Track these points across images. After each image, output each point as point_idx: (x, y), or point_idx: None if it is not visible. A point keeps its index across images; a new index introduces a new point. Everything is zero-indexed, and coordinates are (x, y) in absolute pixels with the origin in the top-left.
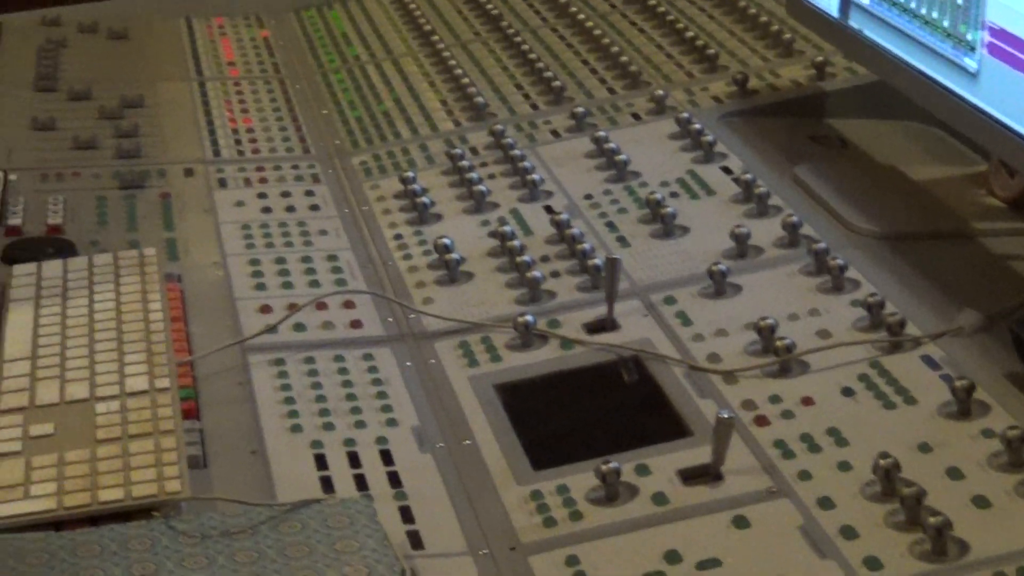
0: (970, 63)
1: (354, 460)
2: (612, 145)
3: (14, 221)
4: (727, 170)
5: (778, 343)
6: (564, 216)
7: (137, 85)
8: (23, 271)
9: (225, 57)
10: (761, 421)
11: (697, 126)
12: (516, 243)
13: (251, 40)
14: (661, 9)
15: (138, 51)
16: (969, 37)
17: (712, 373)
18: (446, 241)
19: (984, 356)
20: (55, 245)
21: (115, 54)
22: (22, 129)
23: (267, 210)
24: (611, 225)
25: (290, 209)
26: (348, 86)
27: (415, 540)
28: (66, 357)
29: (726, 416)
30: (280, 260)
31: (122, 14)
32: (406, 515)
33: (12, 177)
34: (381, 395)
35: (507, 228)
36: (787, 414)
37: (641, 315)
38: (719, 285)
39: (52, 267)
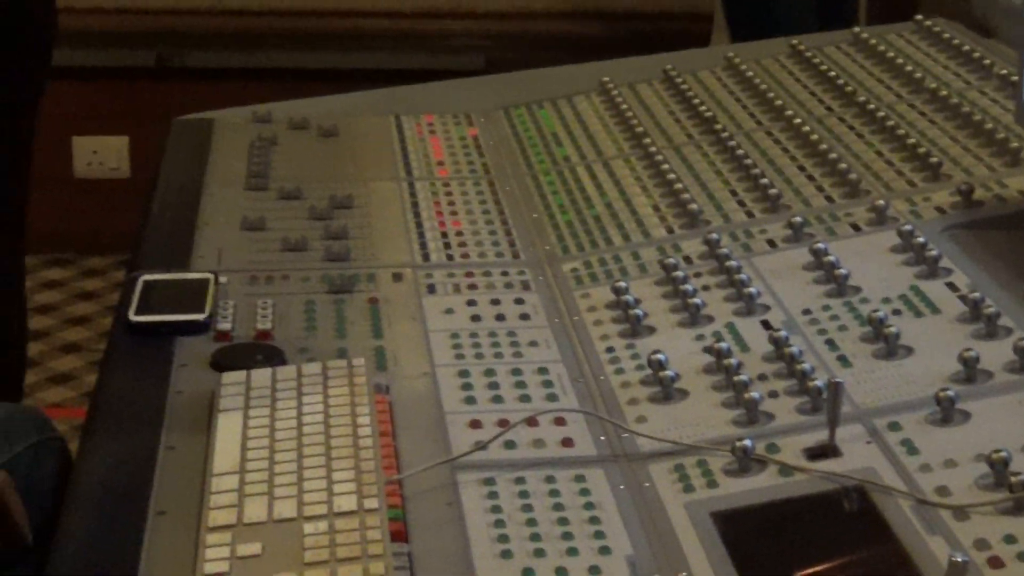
0: None
1: None
2: (832, 258)
3: (223, 326)
4: (952, 287)
5: (1012, 478)
6: (782, 333)
7: (347, 184)
8: (232, 379)
9: (434, 156)
10: (995, 563)
11: (920, 239)
12: (733, 361)
13: (460, 139)
14: (881, 114)
15: (348, 149)
16: None
17: (942, 508)
18: (660, 357)
19: None
20: (264, 352)
21: (325, 152)
22: (233, 229)
23: (476, 318)
24: (831, 343)
25: (500, 318)
26: (558, 188)
27: None
28: (274, 472)
29: (960, 560)
30: (490, 372)
31: (332, 111)
32: None
33: (223, 280)
34: (594, 520)
35: (723, 345)
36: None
37: (864, 441)
38: (947, 412)
39: (261, 376)
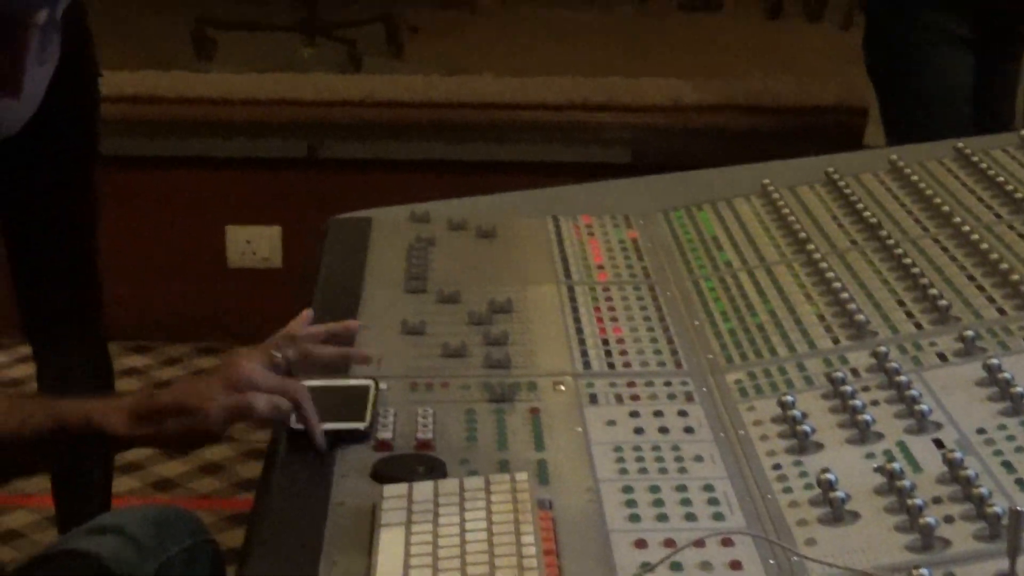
0: None
1: None
2: (1006, 374)
3: (384, 435)
4: None
5: None
6: (957, 454)
7: (505, 287)
8: (394, 492)
9: (593, 259)
10: None
11: None
12: (906, 482)
13: (619, 241)
14: None
15: (506, 250)
16: None
17: None
18: (830, 477)
19: None
20: (425, 463)
21: (483, 253)
22: (393, 333)
23: (639, 431)
24: (1008, 465)
25: (663, 430)
26: (720, 294)
27: None
28: None
29: None
30: (654, 488)
31: (490, 210)
32: None
33: (383, 386)
34: None
35: (895, 465)
36: None
37: None
38: None
39: (423, 489)
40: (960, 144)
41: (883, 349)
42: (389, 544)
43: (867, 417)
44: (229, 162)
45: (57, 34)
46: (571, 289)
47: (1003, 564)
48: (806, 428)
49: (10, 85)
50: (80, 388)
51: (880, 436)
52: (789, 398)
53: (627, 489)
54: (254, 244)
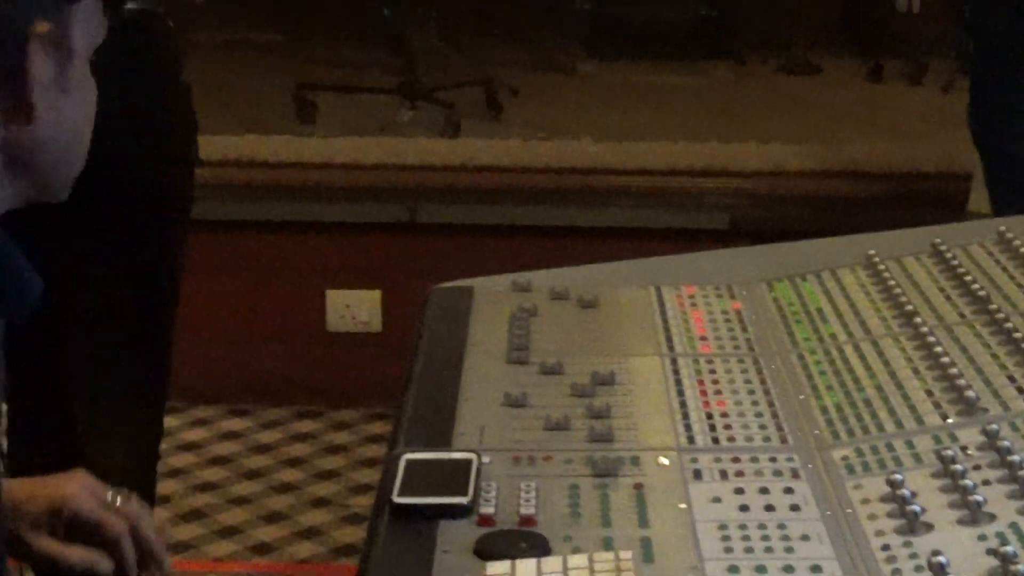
0: None
1: None
2: None
3: (487, 510)
4: None
5: None
6: None
7: (608, 359)
8: (497, 570)
9: (696, 330)
10: None
11: None
12: (1020, 567)
13: (722, 312)
14: None
15: (608, 321)
16: None
17: None
18: (941, 560)
19: None
20: (528, 540)
21: (586, 323)
22: (494, 405)
23: (745, 508)
24: None
25: (769, 508)
26: (825, 368)
27: None
28: None
29: None
30: (760, 568)
31: (592, 280)
32: None
33: (485, 460)
34: None
35: (1008, 548)
36: None
37: None
38: None
39: (526, 567)
40: None
41: (994, 427)
42: None
43: (979, 497)
44: (329, 226)
45: (88, 66)
46: (674, 361)
47: None
48: (915, 508)
49: (17, 106)
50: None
51: (992, 517)
52: (898, 476)
53: (733, 568)
54: (354, 308)
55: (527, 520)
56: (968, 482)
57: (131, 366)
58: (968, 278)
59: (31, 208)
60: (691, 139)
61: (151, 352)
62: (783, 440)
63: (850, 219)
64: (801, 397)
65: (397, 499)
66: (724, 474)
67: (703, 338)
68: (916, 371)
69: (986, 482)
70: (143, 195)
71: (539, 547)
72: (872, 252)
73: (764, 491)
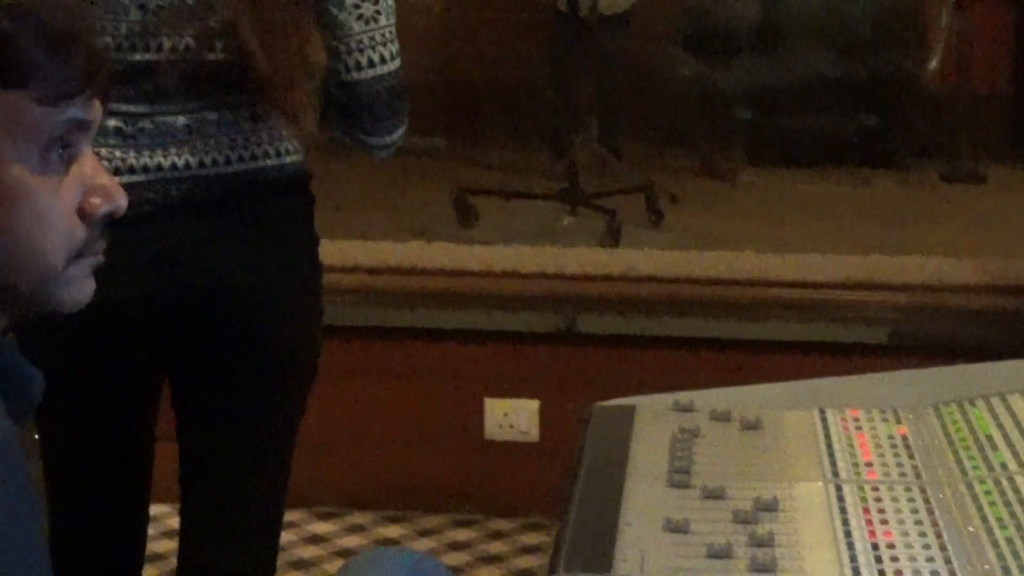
0: None
1: None
2: None
3: None
4: None
5: None
6: None
7: (771, 483)
8: None
9: (861, 456)
10: None
11: None
12: None
13: (888, 437)
14: None
15: (771, 444)
16: None
17: None
18: None
19: None
20: None
21: (748, 446)
22: (655, 530)
23: None
24: None
25: None
26: (995, 499)
27: None
28: None
29: None
30: None
31: (754, 401)
32: None
33: None
34: None
35: None
36: None
37: None
38: None
39: None
40: None
41: None
42: None
43: None
44: (489, 334)
45: (25, 168)
46: (839, 487)
47: None
48: None
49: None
50: None
51: None
52: None
53: None
54: (512, 417)
55: None
56: None
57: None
58: None
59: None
60: (852, 250)
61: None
62: (952, 575)
63: (1016, 337)
64: (970, 529)
65: None
66: None
67: (868, 464)
68: None
69: None
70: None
71: None
72: None
73: None
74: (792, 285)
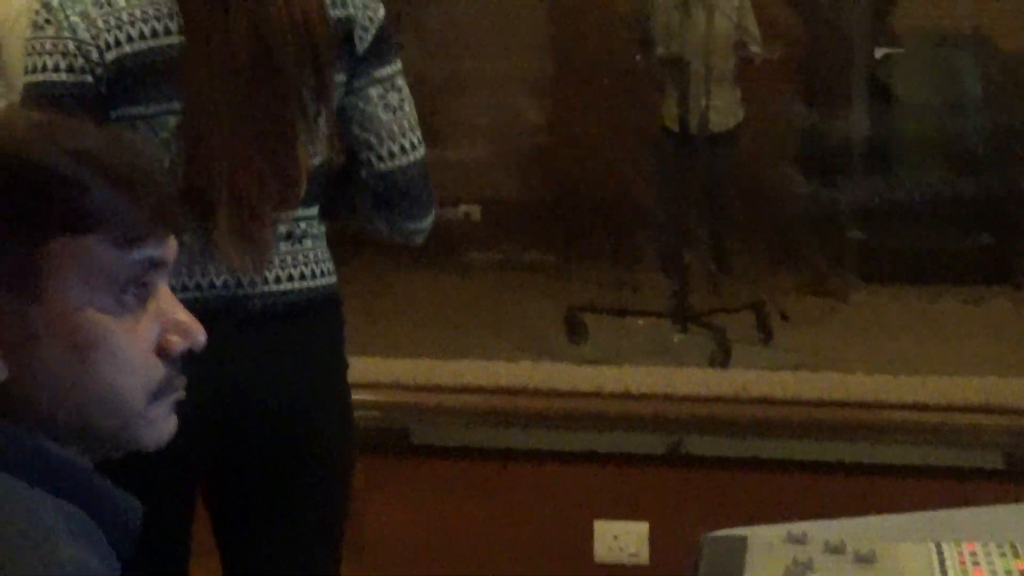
0: None
1: None
2: None
3: None
4: None
5: None
6: None
7: None
8: None
9: None
10: None
11: None
12: None
13: (1006, 572)
14: None
15: None
16: None
17: None
18: None
19: None
20: None
21: None
22: None
23: None
24: None
25: None
26: None
27: None
28: None
29: None
30: None
31: (869, 533)
32: None
33: None
34: None
35: None
36: None
37: None
38: None
39: None
40: None
41: None
42: None
43: None
44: (599, 456)
45: (98, 311)
46: None
47: None
48: None
49: None
50: None
51: None
52: None
53: None
54: (621, 540)
55: None
56: None
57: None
58: None
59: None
60: (967, 371)
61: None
62: None
63: None
64: None
65: None
66: None
67: None
68: None
69: None
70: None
71: None
72: None
73: None
74: (905, 407)
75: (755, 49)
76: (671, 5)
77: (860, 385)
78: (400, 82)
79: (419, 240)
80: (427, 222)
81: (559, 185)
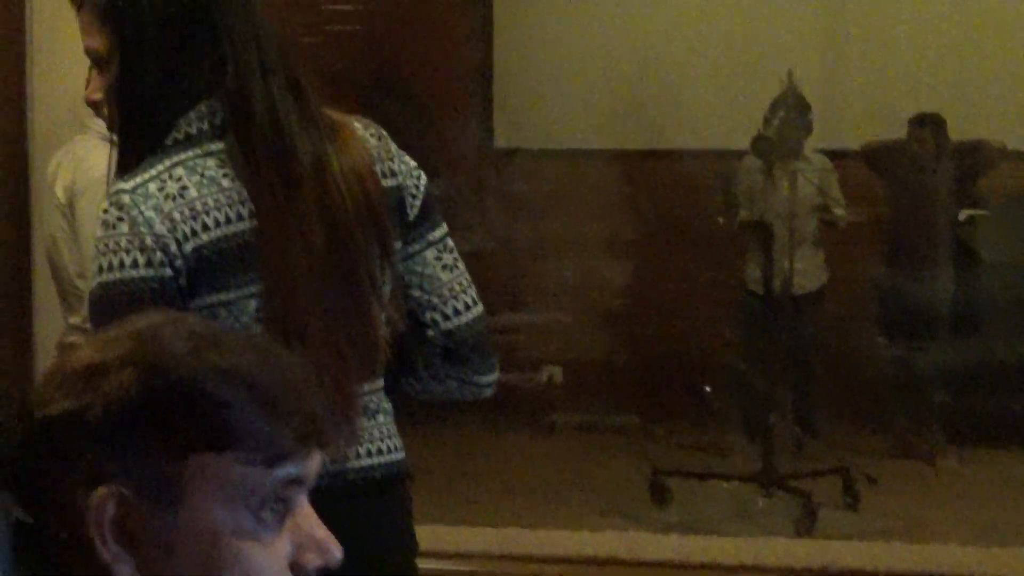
0: None
1: None
2: None
3: None
4: None
5: None
6: None
7: None
8: None
9: None
10: None
11: None
12: None
13: None
14: None
15: None
16: None
17: None
18: None
19: None
20: None
21: None
22: None
23: None
24: None
25: None
26: None
27: None
28: None
29: None
30: None
31: None
32: None
33: None
34: None
35: None
36: None
37: None
38: None
39: None
40: None
41: None
42: None
43: None
44: None
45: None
46: None
47: None
48: None
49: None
50: None
51: None
52: None
53: None
54: None
55: None
56: None
57: None
58: None
59: None
60: None
61: None
62: None
63: None
64: None
65: None
66: None
67: None
68: None
69: None
70: None
71: None
72: None
73: None
74: None
75: (839, 212)
76: (754, 169)
77: (952, 557)
78: (451, 242)
79: (489, 394)
80: (495, 374)
81: (642, 346)
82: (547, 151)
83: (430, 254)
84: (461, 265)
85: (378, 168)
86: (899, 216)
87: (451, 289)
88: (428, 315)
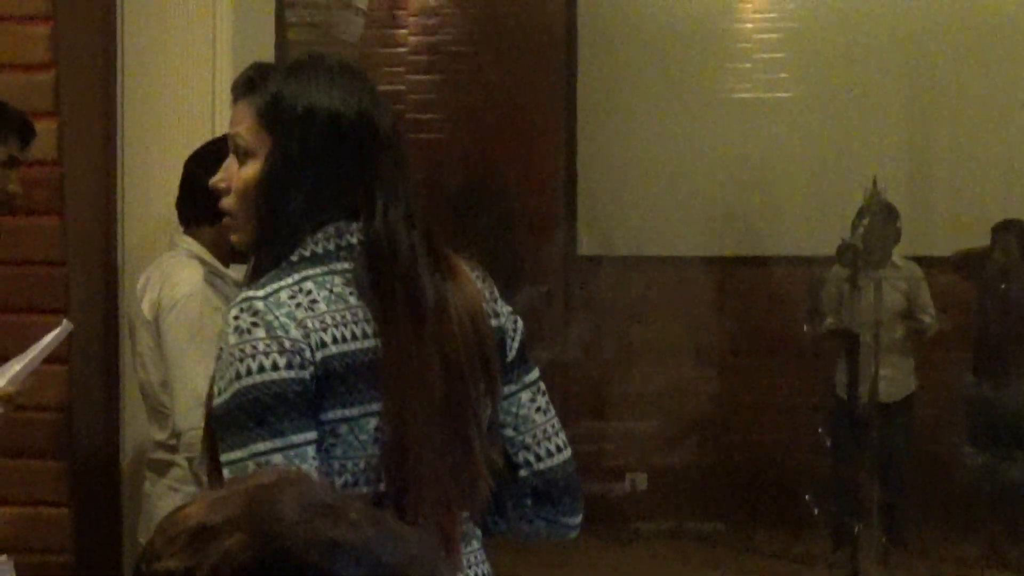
0: None
1: None
2: None
3: None
4: None
5: None
6: None
7: None
8: None
9: None
10: None
11: None
12: None
13: None
14: None
15: None
16: None
17: None
18: None
19: None
20: None
21: None
22: None
23: None
24: None
25: None
26: None
27: None
28: None
29: None
30: None
31: None
32: None
33: None
34: None
35: None
36: None
37: None
38: None
39: None
40: None
41: None
42: None
43: None
44: None
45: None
46: None
47: None
48: None
49: None
50: None
51: None
52: None
53: None
54: None
55: None
56: None
57: None
58: None
59: None
60: None
61: None
62: None
63: None
64: None
65: None
66: None
67: None
68: None
69: None
70: None
71: None
72: None
73: None
74: None
75: (927, 320)
76: (840, 278)
77: None
78: (543, 386)
79: (573, 535)
80: (581, 516)
81: (727, 453)
82: (630, 258)
83: (525, 396)
84: (552, 409)
85: (486, 308)
86: (984, 323)
87: (544, 431)
88: (521, 455)
